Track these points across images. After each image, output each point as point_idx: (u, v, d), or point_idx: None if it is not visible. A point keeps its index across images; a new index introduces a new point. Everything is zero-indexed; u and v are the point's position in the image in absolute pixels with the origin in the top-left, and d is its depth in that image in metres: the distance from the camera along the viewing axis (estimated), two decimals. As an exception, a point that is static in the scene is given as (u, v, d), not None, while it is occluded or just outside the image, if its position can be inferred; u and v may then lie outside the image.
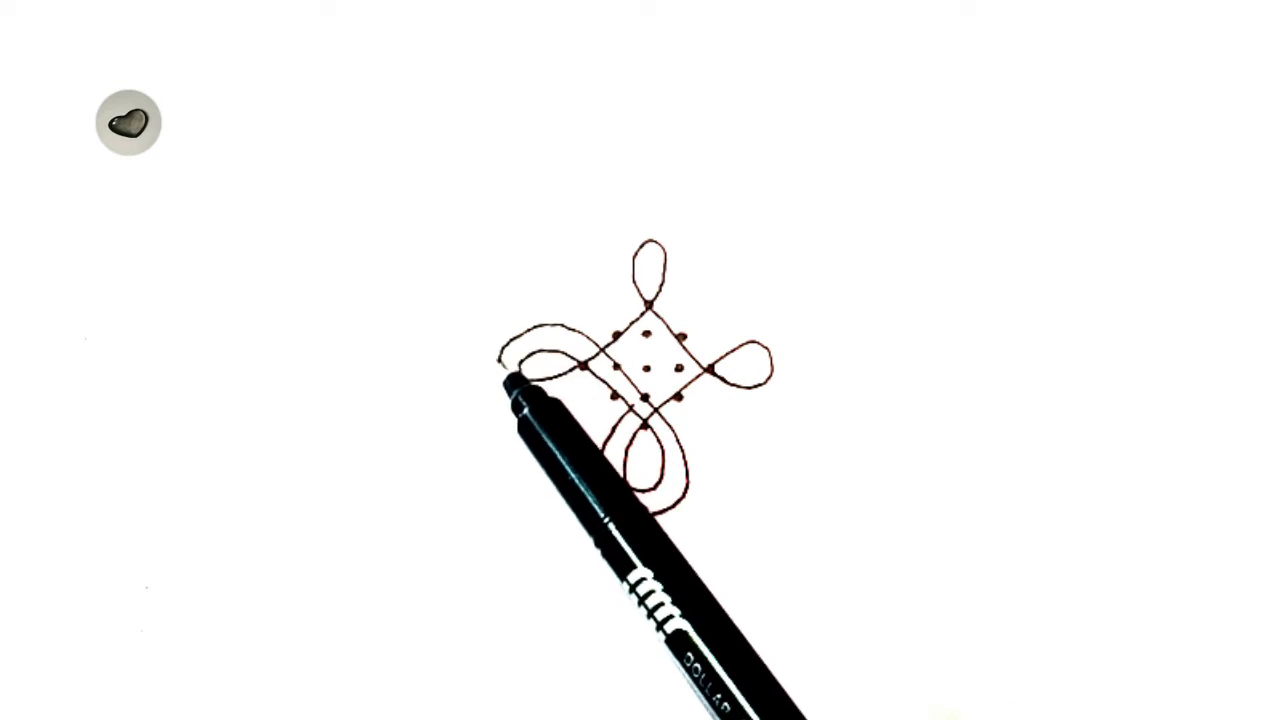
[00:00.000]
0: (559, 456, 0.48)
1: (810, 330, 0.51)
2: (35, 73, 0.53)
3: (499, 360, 0.51)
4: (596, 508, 0.48)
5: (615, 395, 0.51)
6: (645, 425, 0.51)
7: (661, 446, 0.51)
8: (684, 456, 0.51)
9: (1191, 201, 0.52)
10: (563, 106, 0.53)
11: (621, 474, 0.50)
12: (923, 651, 0.48)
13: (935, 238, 0.52)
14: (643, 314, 0.52)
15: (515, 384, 0.50)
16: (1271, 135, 0.52)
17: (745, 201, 0.52)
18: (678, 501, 0.50)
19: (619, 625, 0.49)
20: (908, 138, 0.53)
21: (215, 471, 0.50)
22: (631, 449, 0.51)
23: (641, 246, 0.52)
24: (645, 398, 0.51)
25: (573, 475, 0.48)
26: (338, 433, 0.51)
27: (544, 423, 0.49)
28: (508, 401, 0.50)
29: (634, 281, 0.52)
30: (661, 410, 0.51)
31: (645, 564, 0.46)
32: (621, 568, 0.47)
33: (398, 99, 0.53)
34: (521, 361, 0.51)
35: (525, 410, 0.49)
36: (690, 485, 0.50)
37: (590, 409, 0.51)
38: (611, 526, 0.47)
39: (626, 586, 0.47)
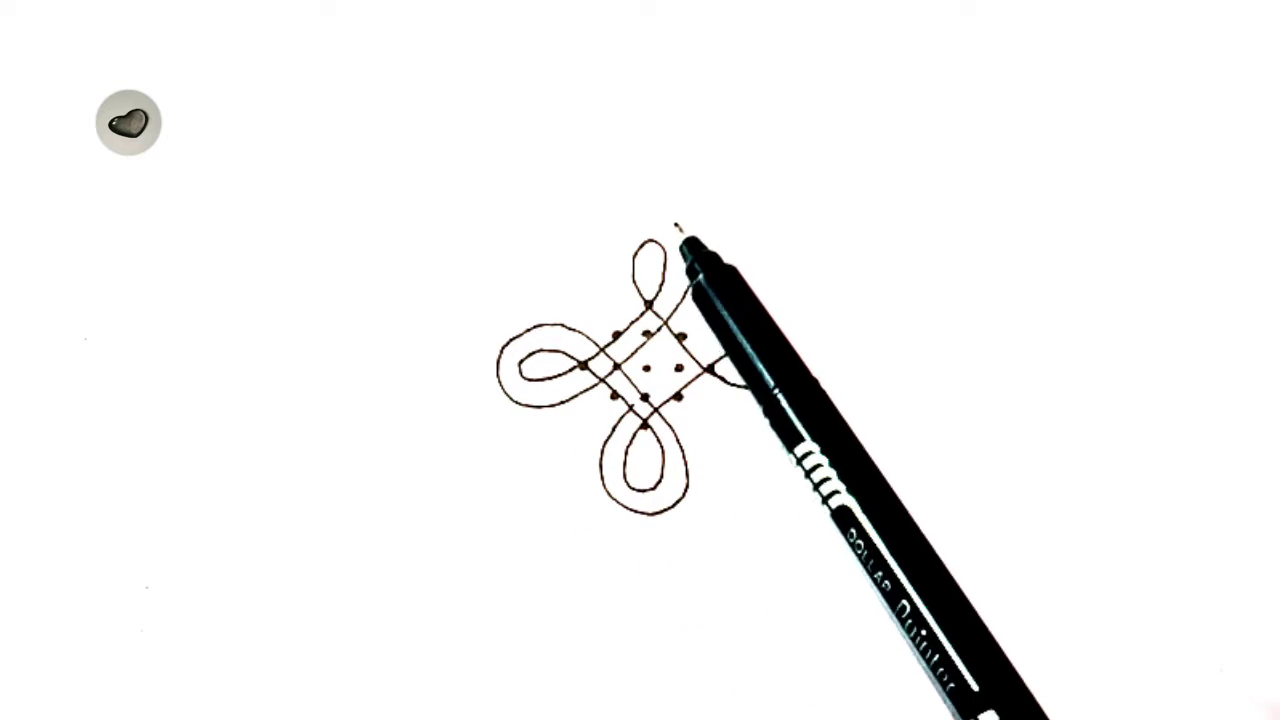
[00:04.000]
0: (731, 325, 0.48)
1: (810, 330, 0.51)
2: (35, 73, 0.53)
3: (676, 225, 0.50)
4: (767, 377, 0.47)
5: (615, 395, 0.51)
6: (645, 425, 0.51)
7: (661, 446, 0.51)
8: (684, 456, 0.51)
9: (1192, 201, 0.52)
10: (563, 106, 0.53)
11: (622, 474, 0.50)
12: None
13: (936, 237, 0.52)
14: (643, 314, 0.52)
15: (693, 250, 0.49)
16: (1272, 135, 0.52)
17: (745, 201, 0.52)
18: (678, 501, 0.50)
19: (616, 626, 0.49)
20: (908, 138, 0.53)
21: (215, 471, 0.50)
22: (631, 449, 0.51)
23: (641, 246, 0.52)
24: (645, 398, 0.51)
25: (745, 344, 0.48)
26: (338, 433, 0.51)
27: (718, 290, 0.48)
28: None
29: (634, 281, 0.52)
30: (661, 410, 0.51)
31: (813, 438, 0.46)
32: (789, 439, 0.46)
33: (398, 99, 0.53)
34: (522, 361, 0.51)
35: (700, 277, 0.49)
36: (690, 485, 0.50)
37: (590, 409, 0.51)
38: (781, 398, 0.47)
39: (793, 459, 0.46)
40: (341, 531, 0.50)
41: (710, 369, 0.51)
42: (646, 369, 0.51)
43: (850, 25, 0.53)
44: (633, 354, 0.51)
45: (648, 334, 0.52)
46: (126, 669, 0.49)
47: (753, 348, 0.47)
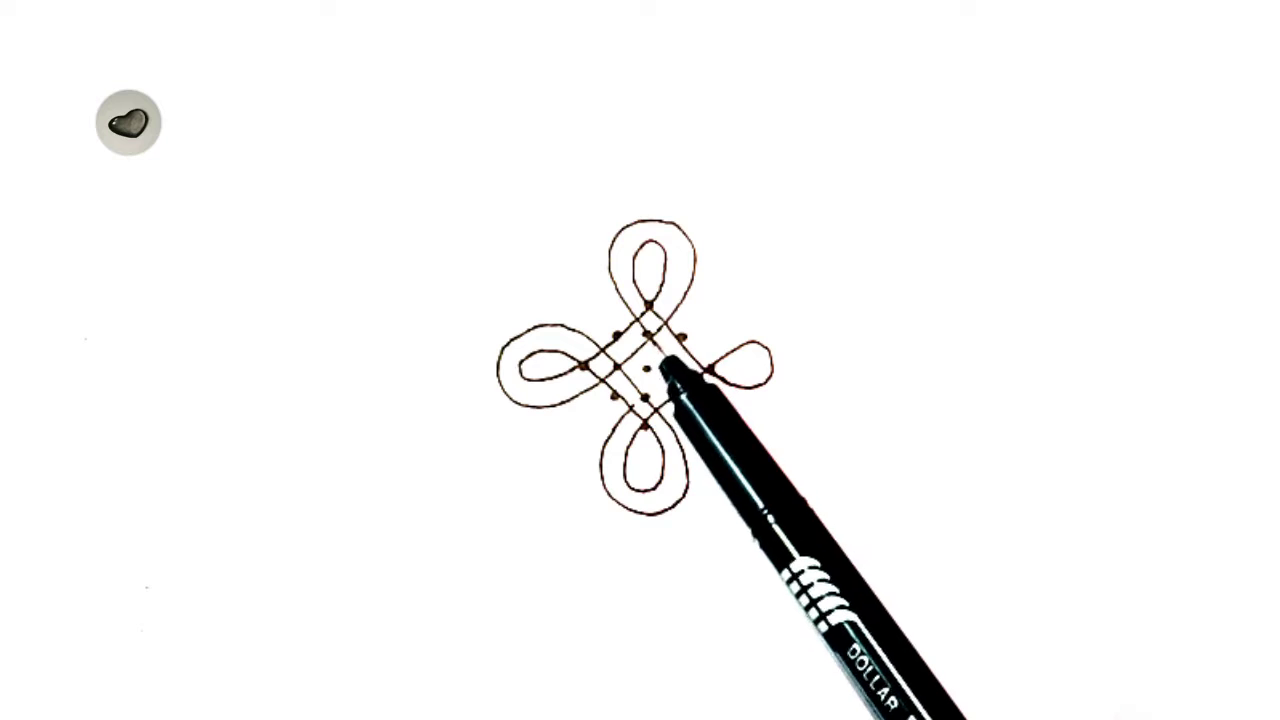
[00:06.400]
0: (717, 445, 0.48)
1: (810, 330, 0.51)
2: (35, 73, 0.53)
3: (653, 340, 0.50)
4: (755, 499, 0.47)
5: (615, 395, 0.51)
6: (645, 425, 0.51)
7: (661, 446, 0.51)
8: (684, 456, 0.51)
9: (1192, 202, 0.52)
10: (563, 106, 0.53)
11: (622, 474, 0.50)
12: (922, 652, 0.48)
13: (935, 237, 0.52)
14: (643, 314, 0.52)
15: (673, 369, 0.50)
16: (1272, 135, 0.52)
17: (745, 201, 0.52)
18: (678, 502, 0.50)
19: (616, 627, 0.49)
20: (907, 138, 0.53)
21: (215, 471, 0.51)
22: (631, 449, 0.51)
23: (641, 246, 0.52)
24: (645, 398, 0.51)
25: (731, 465, 0.48)
26: (338, 433, 0.51)
27: (702, 410, 0.49)
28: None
29: (634, 281, 0.52)
30: (662, 410, 0.51)
31: (806, 554, 0.46)
32: (780, 559, 0.47)
33: (398, 99, 0.53)
34: (522, 362, 0.51)
35: (683, 396, 0.49)
36: (690, 485, 0.50)
37: (590, 409, 0.51)
38: (770, 519, 0.47)
39: (787, 575, 0.46)
40: (342, 532, 0.50)
41: (710, 369, 0.51)
42: (646, 369, 0.51)
43: (850, 25, 0.53)
44: (633, 354, 0.51)
45: (648, 334, 0.52)
46: (126, 669, 0.49)
47: (739, 468, 0.48)
